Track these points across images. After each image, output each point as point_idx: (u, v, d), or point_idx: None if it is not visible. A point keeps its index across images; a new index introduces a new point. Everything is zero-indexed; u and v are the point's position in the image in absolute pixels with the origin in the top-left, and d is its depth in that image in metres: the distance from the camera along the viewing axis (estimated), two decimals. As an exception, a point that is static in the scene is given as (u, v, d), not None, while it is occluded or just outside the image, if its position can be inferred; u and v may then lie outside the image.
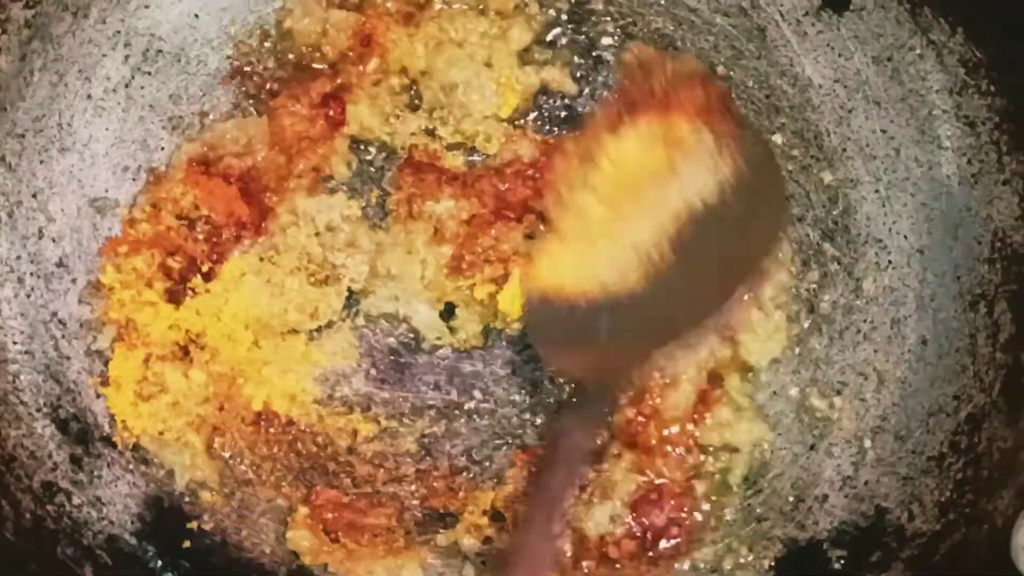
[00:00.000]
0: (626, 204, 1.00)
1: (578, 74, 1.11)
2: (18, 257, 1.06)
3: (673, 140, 1.00)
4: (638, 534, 1.03)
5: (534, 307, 1.02)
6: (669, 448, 1.05)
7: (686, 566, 1.06)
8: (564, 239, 1.02)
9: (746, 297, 1.03)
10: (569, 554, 1.03)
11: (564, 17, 1.11)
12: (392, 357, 1.09)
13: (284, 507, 1.07)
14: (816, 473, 1.08)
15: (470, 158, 1.08)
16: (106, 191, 1.08)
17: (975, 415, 1.05)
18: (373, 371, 1.08)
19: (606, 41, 1.11)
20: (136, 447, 1.07)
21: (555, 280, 1.01)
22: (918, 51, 1.07)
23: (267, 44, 1.09)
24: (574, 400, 1.06)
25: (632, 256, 0.99)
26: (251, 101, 1.08)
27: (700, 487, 1.06)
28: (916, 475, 1.06)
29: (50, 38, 1.05)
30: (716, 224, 0.99)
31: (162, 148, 1.08)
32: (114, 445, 1.07)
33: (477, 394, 1.09)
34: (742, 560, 1.07)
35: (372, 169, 1.09)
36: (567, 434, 0.99)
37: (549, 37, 1.10)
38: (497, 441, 1.08)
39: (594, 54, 1.11)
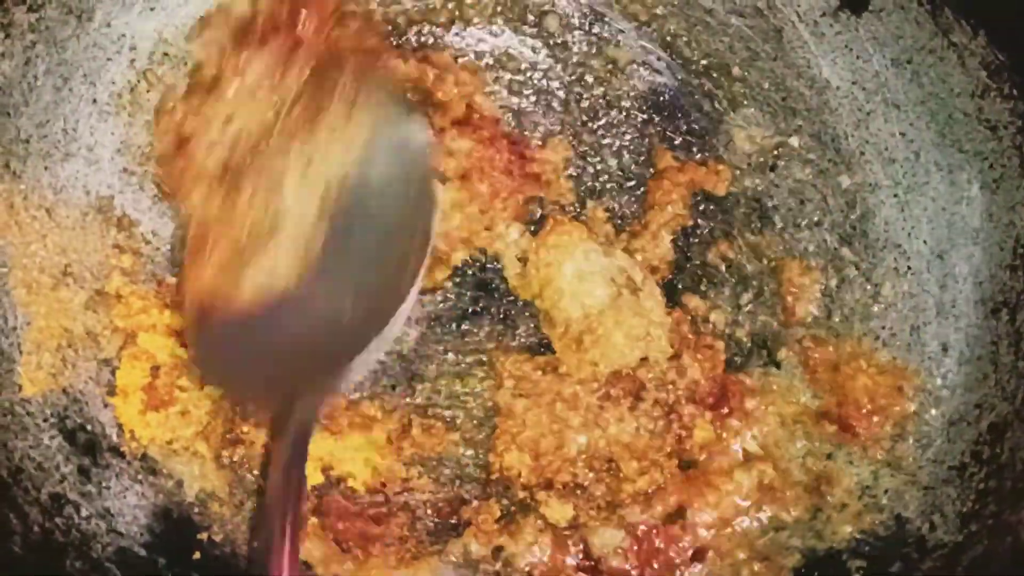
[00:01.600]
0: (264, 192, 0.91)
1: (591, 77, 1.09)
2: (24, 264, 1.05)
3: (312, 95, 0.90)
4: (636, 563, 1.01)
5: (197, 333, 0.93)
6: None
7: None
8: (207, 245, 0.92)
9: (414, 292, 0.93)
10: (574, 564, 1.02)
11: (579, 17, 1.09)
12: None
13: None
14: (835, 482, 1.07)
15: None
16: (112, 197, 1.06)
17: (997, 424, 1.04)
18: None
19: (620, 42, 1.10)
20: (145, 457, 1.06)
21: (210, 294, 0.92)
22: (939, 53, 1.06)
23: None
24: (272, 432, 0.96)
25: (282, 250, 0.90)
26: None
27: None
28: (937, 485, 1.05)
29: (54, 42, 1.03)
30: (360, 201, 0.90)
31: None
32: (122, 455, 1.05)
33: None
34: (757, 568, 1.06)
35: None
36: (275, 466, 0.92)
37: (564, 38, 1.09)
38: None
39: (608, 56, 1.10)
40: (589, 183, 1.10)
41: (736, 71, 1.10)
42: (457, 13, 1.08)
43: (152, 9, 1.06)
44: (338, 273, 0.92)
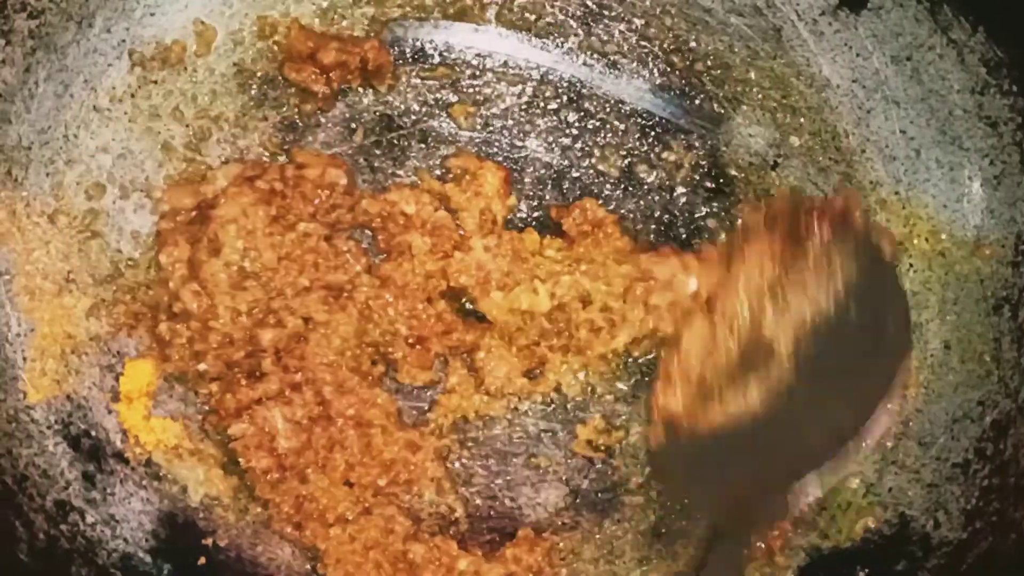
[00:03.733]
0: (745, 330, 1.00)
1: (589, 80, 1.09)
2: (27, 271, 1.04)
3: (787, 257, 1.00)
4: None
5: (665, 447, 1.01)
6: None
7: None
8: (685, 374, 1.02)
9: (887, 415, 1.00)
10: None
11: (578, 16, 1.09)
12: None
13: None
14: (839, 480, 1.07)
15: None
16: (114, 202, 1.06)
17: (1000, 421, 1.04)
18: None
19: (618, 41, 1.10)
20: (149, 463, 1.06)
21: (682, 415, 1.01)
22: (938, 50, 1.06)
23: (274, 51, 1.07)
24: (711, 543, 1.03)
25: (754, 381, 0.99)
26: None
27: None
28: (941, 482, 1.05)
29: (54, 49, 1.03)
30: (834, 338, 0.98)
31: (170, 159, 1.07)
32: (127, 461, 1.06)
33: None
34: (767, 570, 1.07)
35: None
36: None
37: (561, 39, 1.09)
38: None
39: (608, 57, 1.10)
40: (584, 183, 1.10)
41: (736, 70, 1.10)
42: (451, 12, 1.09)
43: (152, 15, 1.06)
44: (802, 407, 0.99)
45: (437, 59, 1.08)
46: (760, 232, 1.03)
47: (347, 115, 1.07)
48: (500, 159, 1.08)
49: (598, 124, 1.10)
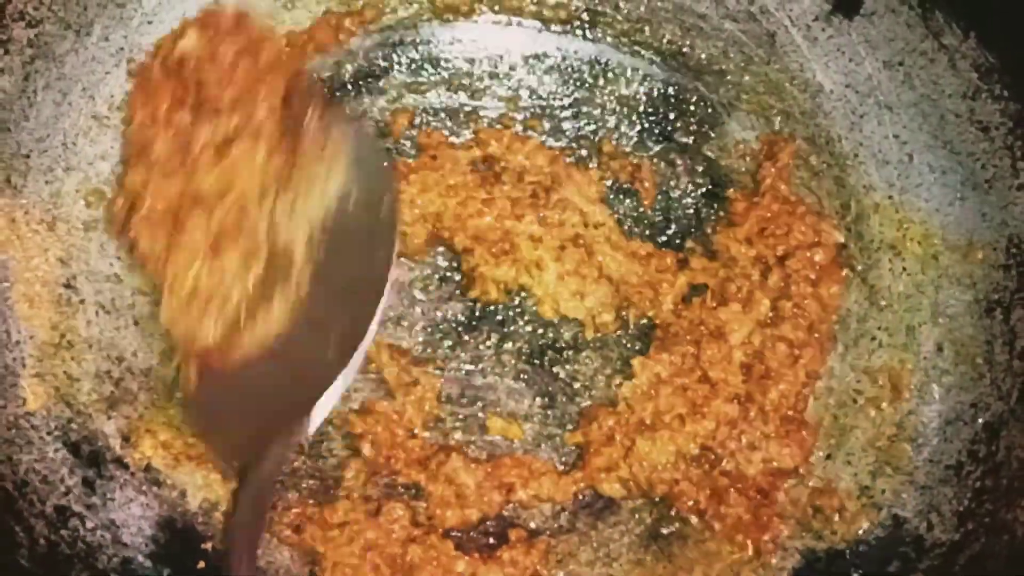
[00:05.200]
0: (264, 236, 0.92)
1: (586, 83, 1.10)
2: (26, 278, 1.05)
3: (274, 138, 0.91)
4: None
5: (196, 385, 0.93)
6: None
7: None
8: (204, 301, 0.92)
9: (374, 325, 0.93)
10: None
11: (575, 22, 1.10)
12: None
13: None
14: (833, 482, 1.08)
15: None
16: (112, 210, 1.07)
17: (992, 423, 1.04)
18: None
19: (616, 48, 1.10)
20: (148, 468, 1.06)
21: (214, 350, 0.92)
22: (930, 55, 1.07)
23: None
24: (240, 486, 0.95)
25: (278, 295, 0.91)
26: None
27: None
28: (934, 484, 1.06)
29: (53, 57, 1.03)
30: (338, 235, 0.91)
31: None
32: (126, 467, 1.06)
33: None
34: (761, 571, 1.07)
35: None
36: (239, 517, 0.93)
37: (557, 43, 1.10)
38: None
39: (601, 62, 1.10)
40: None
41: (730, 75, 1.11)
42: (448, 11, 1.09)
43: (150, 23, 1.06)
44: (321, 315, 0.92)
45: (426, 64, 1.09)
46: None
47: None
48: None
49: (594, 128, 1.10)
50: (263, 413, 0.93)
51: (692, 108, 1.11)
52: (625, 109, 1.11)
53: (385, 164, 0.97)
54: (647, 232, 1.10)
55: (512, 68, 1.10)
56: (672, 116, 1.11)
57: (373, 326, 0.93)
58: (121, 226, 0.97)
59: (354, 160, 0.94)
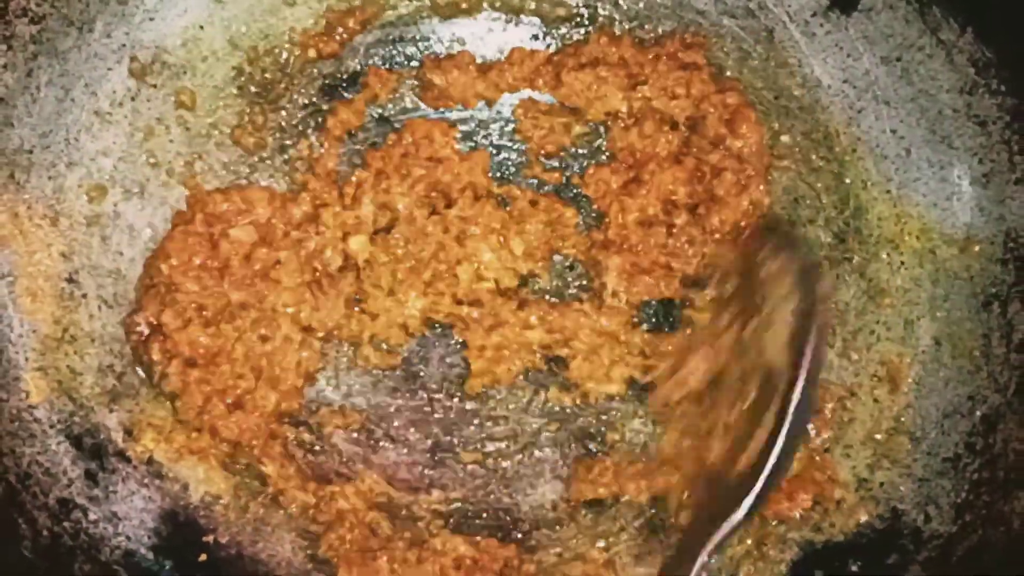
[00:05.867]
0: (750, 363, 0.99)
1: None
2: (29, 273, 1.06)
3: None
4: None
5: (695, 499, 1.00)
6: None
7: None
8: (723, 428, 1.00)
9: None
10: None
11: (572, 19, 1.10)
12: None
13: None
14: (832, 475, 1.08)
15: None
16: (115, 205, 1.07)
17: (990, 416, 1.05)
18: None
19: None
20: (150, 461, 1.07)
21: (716, 466, 0.99)
22: (927, 51, 1.07)
23: (272, 55, 1.08)
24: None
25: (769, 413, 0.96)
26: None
27: None
28: (932, 476, 1.06)
29: (56, 53, 1.04)
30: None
31: (170, 162, 1.08)
32: (128, 460, 1.07)
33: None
34: (755, 562, 1.08)
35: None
36: None
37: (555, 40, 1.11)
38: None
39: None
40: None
41: (729, 71, 1.11)
42: (445, 11, 1.10)
43: (152, 19, 1.07)
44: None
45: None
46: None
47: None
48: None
49: (592, 126, 1.11)
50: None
51: (691, 104, 1.11)
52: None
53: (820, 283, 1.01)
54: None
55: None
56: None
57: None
58: None
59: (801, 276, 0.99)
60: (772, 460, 0.92)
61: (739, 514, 0.92)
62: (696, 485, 1.01)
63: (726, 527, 0.92)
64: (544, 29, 1.10)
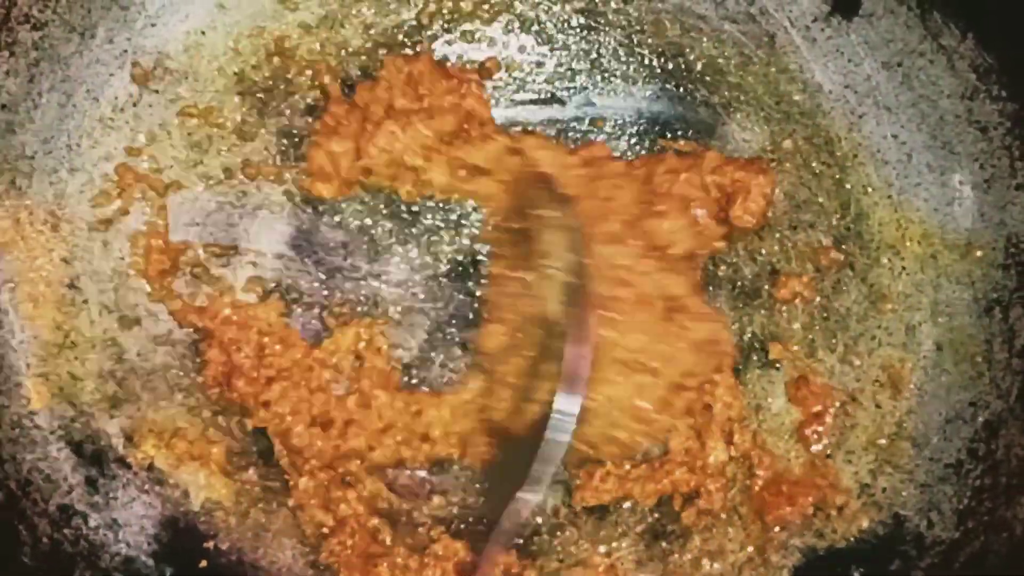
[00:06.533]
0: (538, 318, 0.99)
1: (585, 82, 1.11)
2: (30, 279, 1.06)
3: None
4: None
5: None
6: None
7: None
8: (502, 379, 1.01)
9: None
10: None
11: (573, 23, 1.11)
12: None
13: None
14: (834, 481, 1.08)
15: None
16: (116, 211, 1.07)
17: (992, 422, 1.05)
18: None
19: (614, 48, 1.11)
20: (151, 467, 1.07)
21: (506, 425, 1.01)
22: (928, 56, 1.07)
23: (274, 61, 1.08)
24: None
25: (555, 366, 0.95)
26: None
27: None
28: (934, 482, 1.06)
29: (58, 59, 1.04)
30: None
31: (171, 166, 1.08)
32: (129, 466, 1.06)
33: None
34: (762, 570, 1.07)
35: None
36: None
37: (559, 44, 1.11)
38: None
39: (603, 62, 1.11)
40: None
41: (730, 76, 1.11)
42: (449, 18, 1.10)
43: (153, 25, 1.07)
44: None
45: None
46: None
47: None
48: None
49: (594, 131, 1.11)
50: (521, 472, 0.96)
51: (692, 109, 1.11)
52: (623, 111, 1.11)
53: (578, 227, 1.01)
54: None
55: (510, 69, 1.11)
56: (672, 118, 1.11)
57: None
58: None
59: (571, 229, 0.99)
60: (553, 432, 0.92)
61: (529, 495, 0.93)
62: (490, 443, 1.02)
63: (516, 507, 0.93)
64: (542, 30, 1.11)
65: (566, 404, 0.92)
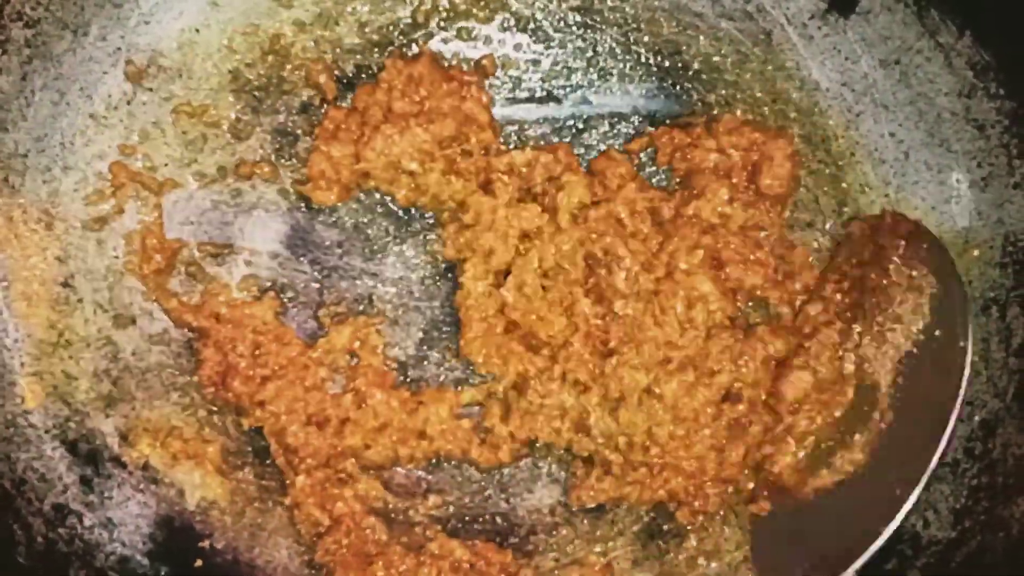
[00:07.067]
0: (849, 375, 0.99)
1: (581, 80, 1.10)
2: (24, 277, 1.05)
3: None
4: None
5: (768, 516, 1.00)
6: None
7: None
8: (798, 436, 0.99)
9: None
10: None
11: (569, 21, 1.10)
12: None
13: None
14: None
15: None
16: (110, 209, 1.07)
17: (989, 421, 1.05)
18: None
19: (611, 46, 1.10)
20: (146, 467, 1.07)
21: (791, 484, 0.99)
22: (926, 54, 1.07)
23: (268, 59, 1.08)
24: None
25: (860, 432, 0.96)
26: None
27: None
28: (931, 482, 1.05)
29: (51, 57, 1.04)
30: (920, 362, 0.97)
31: (165, 165, 1.07)
32: (124, 465, 1.06)
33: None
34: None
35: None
36: None
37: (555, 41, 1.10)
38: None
39: (599, 60, 1.10)
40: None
41: (727, 74, 1.11)
42: (445, 16, 1.09)
43: (147, 23, 1.06)
44: (895, 449, 0.96)
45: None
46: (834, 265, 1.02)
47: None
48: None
49: (592, 127, 1.11)
50: (825, 544, 0.96)
51: (689, 106, 1.11)
52: (621, 108, 1.11)
53: (961, 294, 0.99)
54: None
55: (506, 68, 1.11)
56: (669, 115, 1.11)
57: (934, 462, 0.95)
58: None
59: (936, 293, 0.98)
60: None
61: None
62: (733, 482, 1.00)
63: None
64: (540, 29, 1.10)
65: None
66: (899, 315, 0.96)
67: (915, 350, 0.96)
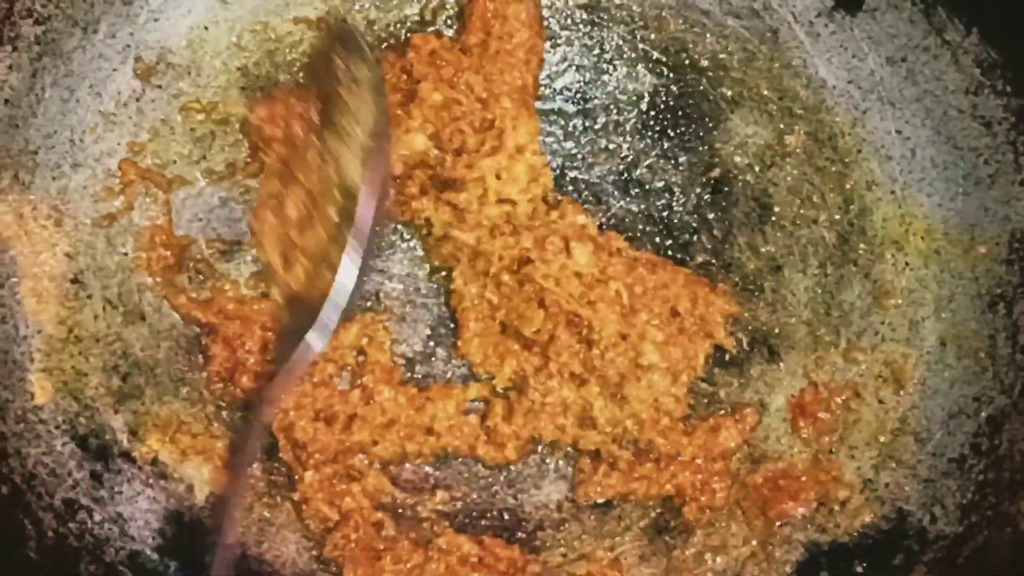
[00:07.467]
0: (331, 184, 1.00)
1: (586, 79, 1.11)
2: (34, 273, 1.06)
3: None
4: None
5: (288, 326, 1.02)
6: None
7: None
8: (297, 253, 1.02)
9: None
10: None
11: (576, 18, 1.10)
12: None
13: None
14: (837, 476, 1.08)
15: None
16: (119, 206, 1.07)
17: (995, 416, 1.05)
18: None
19: (616, 43, 1.11)
20: (155, 462, 1.07)
21: (302, 292, 1.01)
22: (932, 51, 1.07)
23: (276, 57, 1.08)
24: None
25: (347, 231, 0.97)
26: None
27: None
28: (937, 477, 1.06)
29: (60, 54, 1.04)
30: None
31: (174, 162, 1.08)
32: (133, 460, 1.07)
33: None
34: (760, 563, 1.08)
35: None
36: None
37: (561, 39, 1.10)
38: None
39: (604, 58, 1.11)
40: (584, 185, 1.11)
41: (733, 72, 1.11)
42: (452, 13, 1.10)
43: (156, 20, 1.07)
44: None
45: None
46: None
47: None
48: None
49: (596, 126, 1.11)
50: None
51: (695, 104, 1.11)
52: (627, 106, 1.11)
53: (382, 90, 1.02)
54: (648, 230, 1.10)
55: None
56: (675, 112, 1.11)
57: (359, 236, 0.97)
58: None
59: (374, 89, 0.99)
60: (339, 277, 0.96)
61: (316, 339, 0.98)
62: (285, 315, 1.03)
63: (304, 347, 0.98)
64: (546, 25, 1.10)
65: (353, 252, 0.95)
66: (352, 109, 0.99)
67: (372, 143, 0.98)
